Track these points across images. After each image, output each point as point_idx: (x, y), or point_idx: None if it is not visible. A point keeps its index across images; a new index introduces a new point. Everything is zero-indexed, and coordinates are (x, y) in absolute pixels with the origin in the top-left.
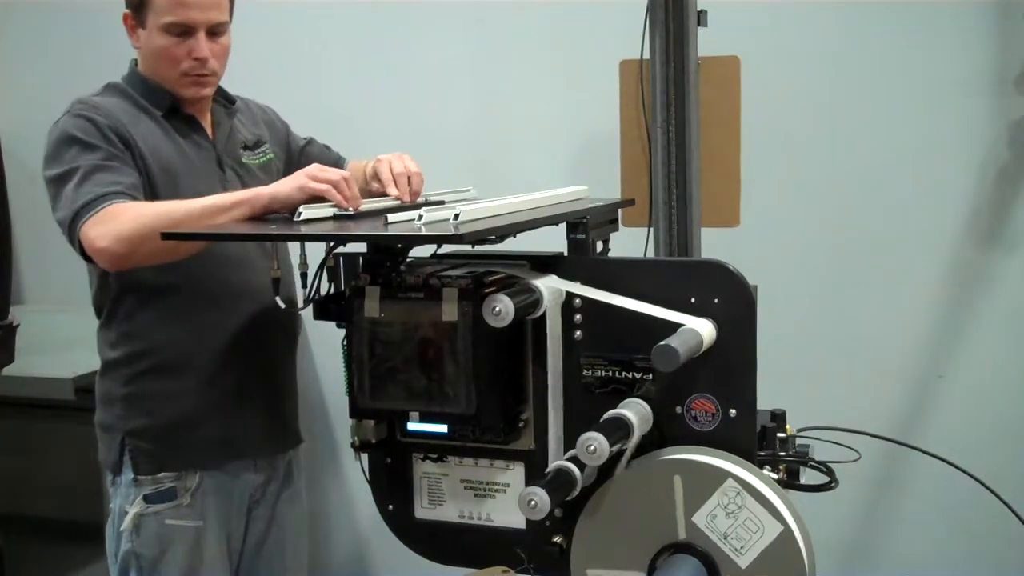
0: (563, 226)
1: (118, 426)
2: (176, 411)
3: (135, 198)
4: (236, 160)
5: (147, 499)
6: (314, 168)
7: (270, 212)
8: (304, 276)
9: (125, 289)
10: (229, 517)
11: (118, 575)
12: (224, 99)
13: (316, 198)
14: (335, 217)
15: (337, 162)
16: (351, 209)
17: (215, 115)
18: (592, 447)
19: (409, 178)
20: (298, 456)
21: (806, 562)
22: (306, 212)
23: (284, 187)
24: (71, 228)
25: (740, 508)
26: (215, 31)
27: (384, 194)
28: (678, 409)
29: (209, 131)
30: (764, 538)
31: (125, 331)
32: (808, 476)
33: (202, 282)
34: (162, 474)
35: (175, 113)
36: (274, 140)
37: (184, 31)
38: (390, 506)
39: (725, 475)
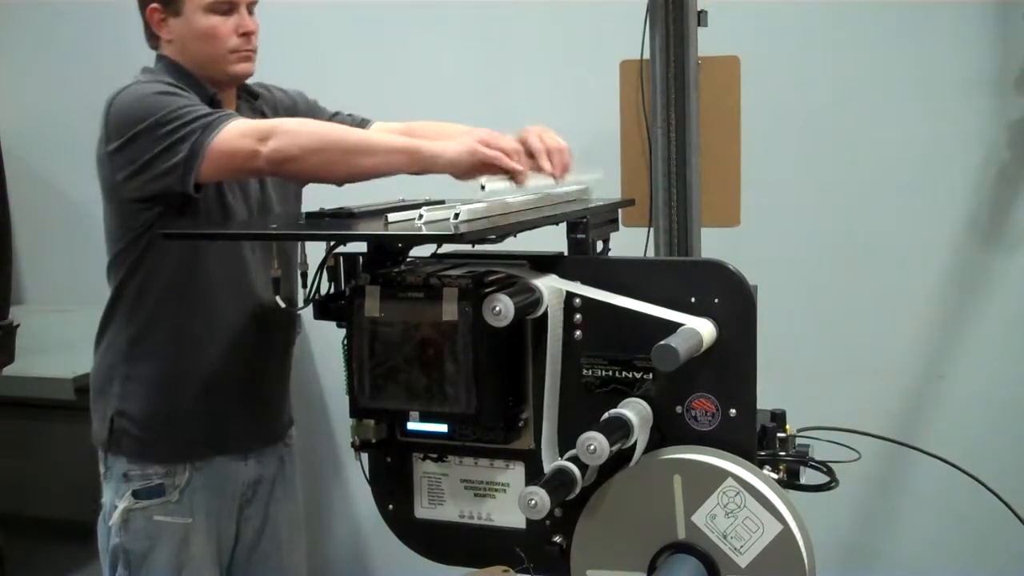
0: (563, 226)
1: (111, 403)
2: (165, 399)
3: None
4: None
5: (136, 495)
6: (485, 133)
7: (426, 172)
8: (304, 276)
9: (136, 267)
10: (219, 516)
11: (108, 569)
12: (247, 94)
13: (485, 166)
14: (334, 216)
15: (362, 124)
16: (521, 182)
17: (241, 111)
18: (592, 447)
19: (561, 152)
20: (290, 453)
21: (806, 561)
22: (489, 186)
23: (451, 149)
24: (199, 142)
25: (740, 507)
26: (251, 8)
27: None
28: (678, 409)
29: None
30: (764, 537)
31: (126, 312)
32: (808, 476)
33: (204, 275)
34: (151, 469)
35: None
36: None
37: (229, 8)
38: (390, 506)
39: (725, 475)
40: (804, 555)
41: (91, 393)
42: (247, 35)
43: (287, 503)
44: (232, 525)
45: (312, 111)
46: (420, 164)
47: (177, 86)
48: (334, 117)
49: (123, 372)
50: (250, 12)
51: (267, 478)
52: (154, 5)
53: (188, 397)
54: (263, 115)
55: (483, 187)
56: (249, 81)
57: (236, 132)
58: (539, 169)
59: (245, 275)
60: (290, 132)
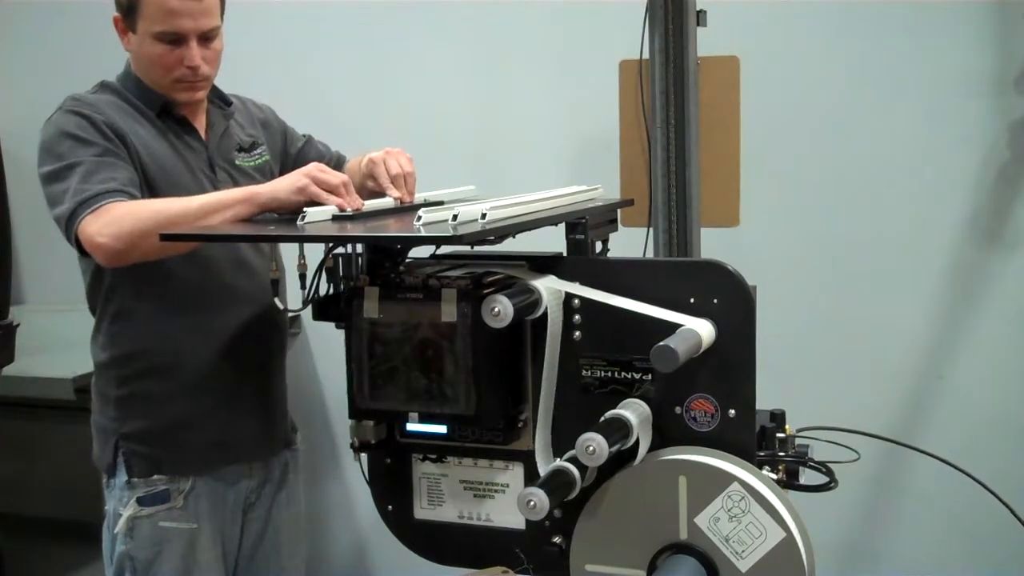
0: (562, 226)
1: (112, 428)
2: (169, 414)
3: (133, 195)
4: (229, 162)
5: (140, 502)
6: (313, 170)
7: (268, 211)
8: (303, 277)
9: (115, 289)
10: (223, 520)
11: None
12: (220, 100)
13: (313, 201)
14: (334, 218)
15: (338, 161)
16: (350, 210)
17: (210, 116)
18: (591, 448)
19: (405, 178)
20: (295, 458)
21: (807, 569)
22: (310, 214)
23: (283, 189)
24: (68, 224)
25: (744, 512)
26: (207, 36)
27: (379, 194)
28: (677, 410)
29: (203, 132)
30: (766, 543)
31: (115, 332)
32: (807, 476)
33: (193, 283)
34: (155, 476)
35: (168, 114)
36: (270, 140)
37: (176, 39)
38: (390, 506)
39: (731, 478)
40: (805, 562)
41: (92, 420)
42: (193, 68)
43: (289, 508)
44: (236, 529)
45: (284, 131)
46: (259, 208)
47: (97, 126)
48: (306, 144)
49: (116, 395)
50: (209, 39)
51: (271, 483)
52: (116, 15)
53: (187, 410)
54: (237, 123)
55: (303, 216)
56: (228, 91)
57: (94, 228)
58: (381, 195)
59: (233, 280)
60: (131, 215)
